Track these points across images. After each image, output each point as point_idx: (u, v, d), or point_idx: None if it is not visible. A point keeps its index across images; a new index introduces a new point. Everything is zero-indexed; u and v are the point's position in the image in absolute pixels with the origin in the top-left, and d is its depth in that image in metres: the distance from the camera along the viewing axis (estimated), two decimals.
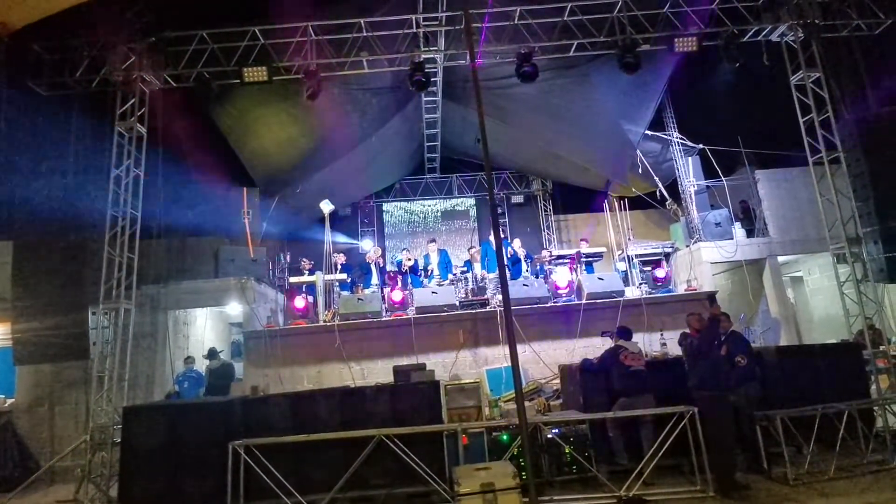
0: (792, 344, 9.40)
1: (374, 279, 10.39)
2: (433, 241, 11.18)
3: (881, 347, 7.35)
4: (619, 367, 6.13)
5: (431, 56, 8.45)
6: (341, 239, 13.32)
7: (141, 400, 7.95)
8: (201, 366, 8.82)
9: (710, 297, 5.84)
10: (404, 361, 7.94)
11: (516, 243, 10.78)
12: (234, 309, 9.55)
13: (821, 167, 7.59)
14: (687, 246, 10.77)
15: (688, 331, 5.99)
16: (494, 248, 10.14)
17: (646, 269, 10.13)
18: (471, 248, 11.10)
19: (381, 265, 10.81)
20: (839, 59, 8.04)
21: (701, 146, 11.24)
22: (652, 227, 13.91)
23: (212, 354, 8.75)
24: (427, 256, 10.61)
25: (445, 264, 10.55)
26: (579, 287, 9.38)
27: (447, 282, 9.95)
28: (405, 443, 5.58)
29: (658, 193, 11.92)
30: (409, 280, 10.27)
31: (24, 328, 6.88)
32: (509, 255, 10.17)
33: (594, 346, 8.14)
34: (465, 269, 10.40)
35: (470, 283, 9.72)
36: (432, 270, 10.37)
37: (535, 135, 11.75)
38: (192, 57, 7.76)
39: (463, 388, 7.04)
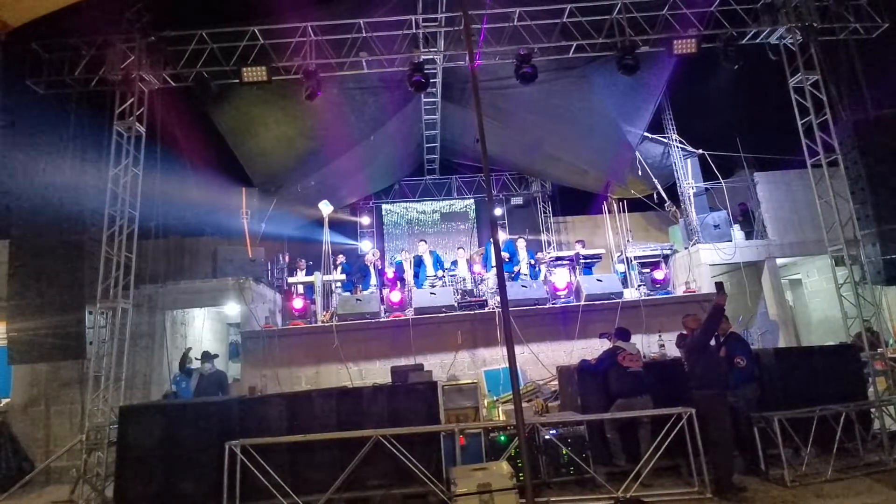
0: (790, 346, 9.40)
1: (373, 280, 10.40)
2: (423, 241, 11.23)
3: (879, 350, 7.35)
4: (617, 369, 6.13)
5: (431, 57, 8.45)
6: (340, 239, 13.31)
7: (138, 400, 7.92)
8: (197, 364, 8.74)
9: (718, 285, 5.73)
10: (402, 362, 7.94)
11: (520, 243, 10.79)
12: (233, 309, 9.53)
13: (819, 169, 7.60)
14: (686, 248, 10.77)
15: (685, 332, 6.01)
16: (493, 250, 10.27)
17: (644, 270, 10.13)
18: (458, 247, 11.14)
19: (380, 267, 10.82)
20: (837, 62, 8.06)
21: (700, 151, 11.26)
22: (651, 229, 13.93)
23: (206, 357, 7.98)
24: (420, 258, 10.62)
25: (437, 263, 10.66)
26: (578, 288, 9.38)
27: (440, 281, 9.98)
28: (402, 443, 5.57)
29: (657, 195, 11.93)
30: (416, 274, 10.33)
31: (20, 327, 6.83)
32: (507, 260, 10.21)
33: (593, 348, 8.13)
34: (451, 269, 10.44)
35: (463, 284, 9.74)
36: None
37: (535, 136, 11.75)
38: (191, 56, 7.76)
39: (461, 389, 7.03)
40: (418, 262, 10.56)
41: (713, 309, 5.68)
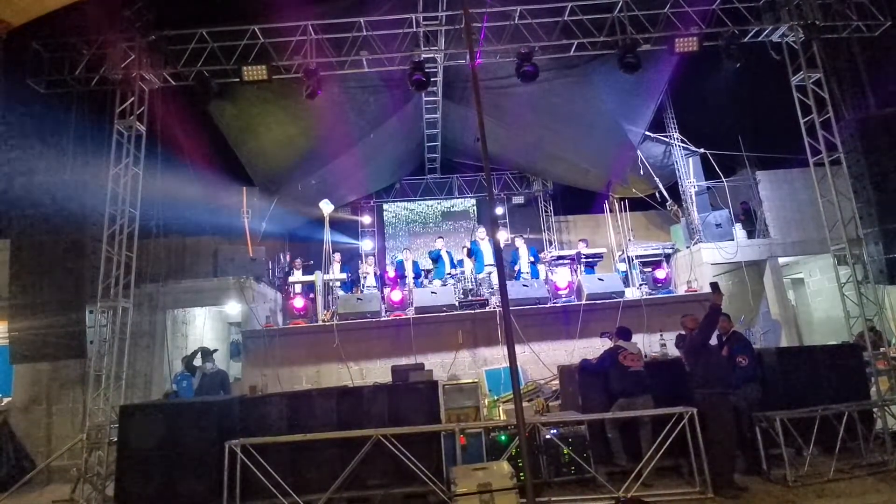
0: (792, 345, 9.37)
1: (371, 281, 10.43)
2: (441, 237, 11.25)
3: (881, 349, 7.33)
4: (618, 368, 6.10)
5: (431, 56, 8.43)
6: (341, 238, 13.30)
7: (139, 399, 7.92)
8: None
9: (713, 285, 5.80)
10: (403, 361, 7.93)
11: (518, 242, 10.80)
12: (233, 308, 9.53)
13: (821, 168, 7.57)
14: (687, 247, 10.75)
15: (683, 332, 6.00)
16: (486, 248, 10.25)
17: (646, 270, 10.11)
18: (463, 247, 11.15)
19: (378, 273, 10.84)
20: (839, 60, 8.03)
21: (702, 150, 11.23)
22: (652, 229, 13.89)
23: (206, 356, 7.82)
24: (439, 253, 10.62)
25: (452, 263, 10.71)
26: (579, 288, 9.36)
27: (452, 279, 9.98)
28: (403, 443, 5.55)
29: (658, 194, 11.90)
30: (422, 272, 10.41)
31: (21, 326, 6.85)
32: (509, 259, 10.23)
33: (594, 347, 8.11)
34: (460, 268, 10.45)
35: (465, 283, 9.73)
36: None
37: (536, 135, 11.74)
38: (191, 55, 7.75)
39: (461, 389, 7.01)
40: (436, 258, 10.57)
41: (710, 309, 5.71)
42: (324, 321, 9.02)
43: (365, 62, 8.11)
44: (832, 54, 7.94)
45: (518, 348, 7.76)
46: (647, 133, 10.77)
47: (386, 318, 8.98)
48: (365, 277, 10.52)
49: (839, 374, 6.55)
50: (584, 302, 8.93)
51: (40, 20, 6.89)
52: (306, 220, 12.19)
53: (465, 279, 9.94)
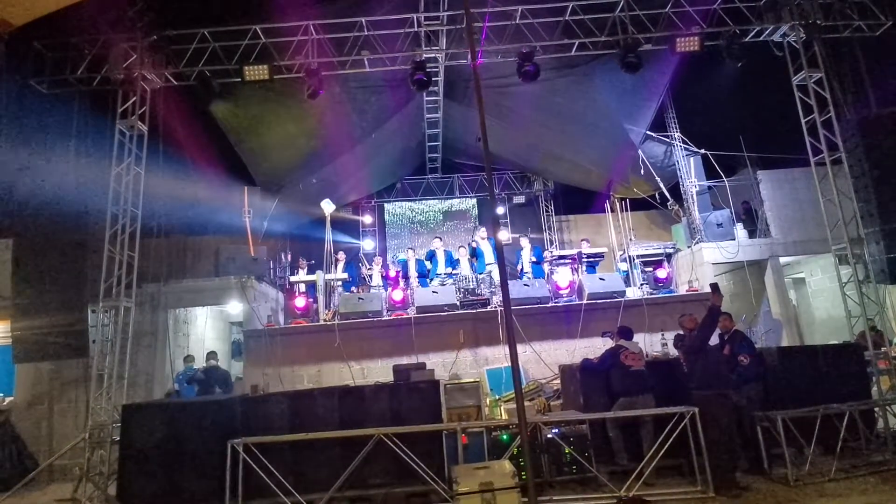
0: (794, 345, 9.37)
1: (377, 281, 10.44)
2: (438, 238, 11.24)
3: (882, 349, 7.33)
4: (619, 367, 6.11)
5: (432, 55, 8.44)
6: (342, 238, 13.31)
7: (141, 398, 7.94)
8: (201, 365, 8.78)
9: (713, 286, 5.81)
10: (404, 361, 7.93)
11: (523, 241, 10.79)
12: (235, 308, 9.54)
13: (823, 168, 7.57)
14: (688, 247, 10.75)
15: (682, 332, 6.00)
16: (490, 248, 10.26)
17: (647, 269, 10.10)
18: (460, 246, 11.17)
19: (383, 273, 10.85)
20: (841, 60, 8.04)
21: (703, 151, 11.23)
22: (654, 228, 13.89)
23: (211, 356, 8.39)
24: (434, 253, 10.62)
25: (449, 262, 10.69)
26: (580, 287, 9.36)
27: (450, 279, 9.98)
28: (404, 442, 5.56)
29: (659, 194, 11.90)
30: (425, 271, 10.39)
31: (23, 326, 6.85)
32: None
33: (595, 347, 8.12)
34: (455, 268, 10.47)
35: (466, 282, 9.74)
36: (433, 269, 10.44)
37: (537, 134, 11.74)
38: (193, 55, 7.76)
39: (463, 388, 7.03)
40: (430, 257, 10.58)
41: (709, 310, 5.70)
42: (325, 321, 9.02)
43: (366, 62, 8.12)
44: (833, 54, 7.95)
45: (519, 348, 7.79)
46: (648, 133, 10.78)
47: (387, 318, 8.99)
48: (370, 278, 10.53)
49: (840, 374, 6.55)
50: (585, 301, 8.93)
51: (42, 20, 6.89)
52: (308, 219, 12.19)
53: (462, 279, 9.94)
